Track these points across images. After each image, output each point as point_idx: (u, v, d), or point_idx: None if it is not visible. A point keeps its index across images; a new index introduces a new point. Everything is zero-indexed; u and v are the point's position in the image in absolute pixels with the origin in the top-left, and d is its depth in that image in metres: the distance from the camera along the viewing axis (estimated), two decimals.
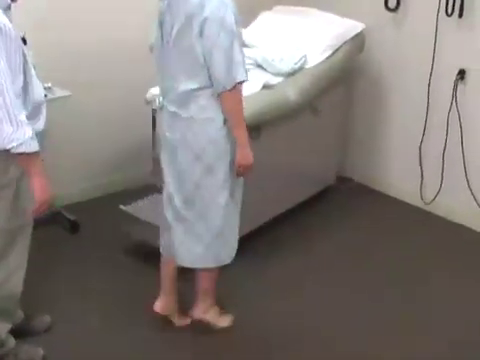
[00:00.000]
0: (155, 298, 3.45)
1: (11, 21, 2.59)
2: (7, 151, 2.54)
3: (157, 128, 3.17)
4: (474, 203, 4.45)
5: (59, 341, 3.18)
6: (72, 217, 4.25)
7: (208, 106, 2.89)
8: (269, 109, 3.91)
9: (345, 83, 4.79)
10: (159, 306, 3.30)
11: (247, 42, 4.53)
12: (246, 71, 2.82)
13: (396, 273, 3.95)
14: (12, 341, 2.99)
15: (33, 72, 2.67)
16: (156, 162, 4.10)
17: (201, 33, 2.76)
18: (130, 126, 4.75)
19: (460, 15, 4.24)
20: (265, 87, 4.06)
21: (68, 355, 3.12)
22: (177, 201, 3.04)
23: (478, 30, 4.23)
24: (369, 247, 4.24)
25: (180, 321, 3.35)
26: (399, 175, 4.92)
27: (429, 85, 4.49)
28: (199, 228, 3.06)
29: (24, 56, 2.59)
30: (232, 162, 2.99)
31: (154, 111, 4.04)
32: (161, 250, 3.27)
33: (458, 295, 3.75)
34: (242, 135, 2.92)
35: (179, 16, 2.82)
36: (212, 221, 3.05)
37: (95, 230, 4.25)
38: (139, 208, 3.98)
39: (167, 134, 3.02)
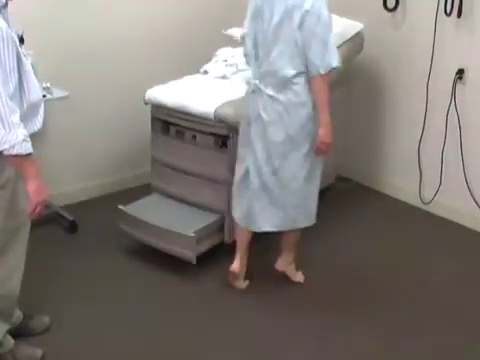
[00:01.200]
0: (156, 298, 3.49)
1: (7, 20, 2.58)
2: (1, 152, 2.54)
3: (245, 107, 3.47)
4: (473, 203, 4.45)
5: (58, 341, 3.17)
6: (71, 217, 4.25)
7: (302, 92, 3.28)
8: None
9: (344, 83, 4.78)
10: (235, 267, 3.65)
11: None
12: (339, 59, 3.23)
13: (395, 273, 3.94)
14: (11, 341, 2.98)
15: (30, 72, 2.65)
16: (155, 162, 4.12)
17: (301, 24, 3.13)
18: (129, 126, 4.75)
19: (459, 15, 4.24)
20: None
21: (67, 355, 3.11)
22: (265, 172, 3.42)
23: (477, 30, 4.23)
24: (368, 247, 4.23)
25: (242, 284, 3.73)
26: (398, 175, 4.92)
27: (428, 85, 4.50)
28: (282, 196, 3.46)
29: (18, 56, 2.57)
30: (314, 141, 3.36)
31: (152, 111, 4.05)
32: (237, 221, 3.65)
33: (458, 295, 3.74)
34: (327, 115, 3.31)
35: (279, 9, 3.16)
36: (293, 191, 3.45)
37: (94, 230, 4.24)
38: (138, 208, 3.97)
39: (262, 114, 3.33)
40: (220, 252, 3.96)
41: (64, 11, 4.22)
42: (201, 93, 3.94)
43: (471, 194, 4.45)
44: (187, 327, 3.37)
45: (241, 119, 3.52)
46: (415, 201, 4.80)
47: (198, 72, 4.36)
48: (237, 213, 3.65)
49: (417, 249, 4.25)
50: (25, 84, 2.62)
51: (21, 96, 2.62)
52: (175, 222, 3.79)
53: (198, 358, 3.17)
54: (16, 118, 2.52)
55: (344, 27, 4.52)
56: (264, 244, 3.90)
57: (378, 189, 4.84)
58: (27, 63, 2.65)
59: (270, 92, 3.30)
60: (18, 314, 3.13)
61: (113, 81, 4.59)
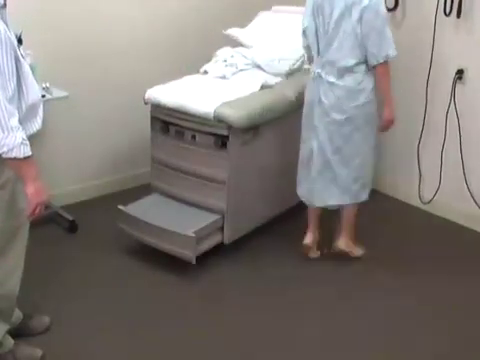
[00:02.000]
0: (156, 298, 3.50)
1: (6, 21, 2.58)
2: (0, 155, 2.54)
3: (307, 94, 3.84)
4: (472, 202, 4.45)
5: (58, 341, 3.17)
6: (70, 217, 4.25)
7: (361, 78, 3.64)
8: (267, 109, 3.91)
9: None
10: (308, 240, 4.04)
11: (246, 42, 4.54)
12: (395, 49, 3.55)
13: (394, 272, 3.94)
14: (10, 341, 2.99)
15: (28, 73, 2.65)
16: (154, 162, 4.12)
17: (360, 19, 3.48)
18: (129, 126, 4.75)
19: (458, 15, 4.24)
20: (264, 87, 4.07)
21: (67, 355, 3.11)
22: (328, 152, 3.76)
23: (476, 30, 4.23)
24: (367, 246, 4.23)
25: (315, 254, 4.08)
26: (397, 175, 4.92)
27: (427, 85, 4.50)
28: (343, 173, 3.80)
29: (17, 58, 2.56)
30: (374, 121, 3.76)
31: (152, 111, 4.05)
32: (302, 198, 4.03)
33: (457, 294, 3.75)
34: (390, 98, 3.71)
35: (339, 5, 3.52)
36: (354, 168, 3.81)
37: (93, 230, 4.25)
38: (138, 208, 3.97)
39: (323, 99, 3.70)
40: (220, 252, 3.96)
41: (63, 11, 4.22)
42: (201, 93, 3.94)
43: (471, 194, 4.45)
44: (187, 327, 3.37)
45: (304, 104, 3.86)
46: (414, 201, 4.80)
47: (198, 72, 4.36)
48: (301, 190, 4.01)
49: (415, 248, 4.25)
50: (24, 86, 2.62)
51: (20, 98, 2.61)
52: (175, 222, 3.79)
53: (198, 358, 3.17)
54: (15, 121, 2.52)
55: None
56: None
57: (378, 189, 4.83)
58: (25, 64, 2.64)
59: (331, 79, 3.66)
60: (18, 314, 3.14)
61: (113, 81, 4.59)
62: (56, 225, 4.28)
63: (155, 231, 3.78)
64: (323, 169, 3.82)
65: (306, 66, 4.29)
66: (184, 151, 3.95)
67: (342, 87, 3.65)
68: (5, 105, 2.48)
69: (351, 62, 3.60)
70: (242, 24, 4.72)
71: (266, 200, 4.19)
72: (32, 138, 2.67)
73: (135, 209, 3.96)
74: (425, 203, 4.73)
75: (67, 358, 3.11)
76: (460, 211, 4.56)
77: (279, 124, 4.09)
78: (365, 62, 3.61)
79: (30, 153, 2.59)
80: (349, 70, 3.62)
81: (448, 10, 4.26)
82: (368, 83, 3.67)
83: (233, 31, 4.63)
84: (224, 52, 4.43)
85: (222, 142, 3.79)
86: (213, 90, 3.98)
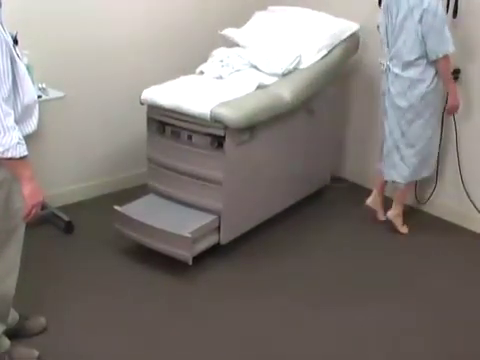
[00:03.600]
0: (152, 299, 3.50)
1: (1, 21, 2.57)
2: None
3: (381, 84, 4.35)
4: (469, 203, 4.45)
5: (54, 342, 3.17)
6: (67, 218, 4.24)
7: (423, 70, 4.06)
8: (263, 109, 3.91)
9: (340, 83, 4.80)
10: (370, 201, 4.58)
11: (242, 42, 4.54)
12: (453, 44, 3.95)
13: (391, 273, 3.95)
14: (7, 342, 2.98)
15: (24, 73, 2.64)
16: (151, 162, 4.11)
17: (420, 20, 3.92)
18: (125, 127, 4.75)
19: (454, 15, 4.25)
20: (259, 87, 4.07)
21: (64, 356, 3.11)
22: (396, 134, 4.25)
23: (472, 30, 4.24)
24: (363, 248, 4.24)
25: (381, 216, 4.59)
26: None
27: None
28: (407, 155, 4.26)
29: (12, 58, 2.56)
30: (435, 109, 4.20)
31: (148, 112, 4.05)
32: (379, 170, 4.52)
33: (454, 295, 3.75)
34: (452, 87, 4.15)
35: (403, 6, 3.98)
36: (418, 150, 4.25)
37: (90, 231, 4.24)
38: (134, 209, 3.97)
39: (390, 88, 4.19)
40: (216, 253, 3.96)
41: (60, 12, 4.21)
42: (197, 93, 3.93)
43: (467, 194, 4.46)
44: (184, 327, 3.37)
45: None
46: (411, 201, 4.80)
47: (194, 72, 4.36)
48: (379, 164, 4.52)
49: (412, 248, 4.26)
50: (19, 86, 2.61)
51: (15, 98, 2.61)
52: (171, 222, 3.79)
53: (195, 358, 3.17)
54: (11, 121, 2.51)
55: (340, 27, 4.54)
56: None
57: (373, 189, 4.82)
58: (21, 65, 2.63)
59: (396, 71, 4.13)
60: (14, 315, 3.13)
61: (109, 81, 4.59)
62: (52, 226, 4.27)
63: (151, 231, 3.78)
64: (392, 149, 4.30)
65: (302, 66, 4.31)
66: (180, 151, 3.95)
67: (406, 78, 4.10)
68: (1, 105, 2.47)
69: (413, 56, 4.04)
70: (238, 24, 4.72)
71: (262, 200, 4.18)
72: (28, 138, 2.66)
73: (131, 209, 3.95)
74: (422, 203, 4.73)
75: (64, 359, 3.10)
76: (456, 211, 4.56)
77: (275, 124, 4.09)
78: (426, 56, 4.02)
79: (26, 153, 2.58)
80: (412, 63, 4.06)
81: (445, 10, 4.26)
82: (428, 75, 4.06)
83: (229, 31, 4.63)
84: (220, 52, 4.43)
85: (218, 142, 3.79)
86: (209, 90, 3.98)
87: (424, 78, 4.08)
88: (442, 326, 3.46)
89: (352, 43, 4.62)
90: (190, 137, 3.89)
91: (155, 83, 4.07)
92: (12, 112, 2.54)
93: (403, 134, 4.24)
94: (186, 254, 3.69)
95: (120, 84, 4.63)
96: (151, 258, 3.87)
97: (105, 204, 4.24)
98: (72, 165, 4.61)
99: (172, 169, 4.01)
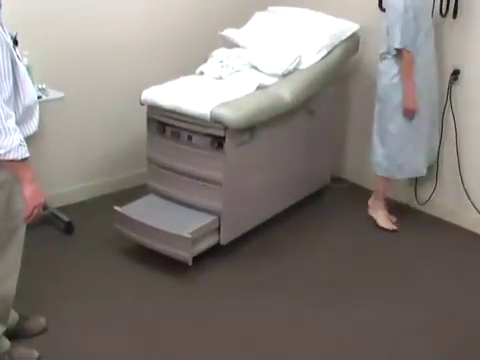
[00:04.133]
0: (152, 299, 3.51)
1: (1, 22, 2.57)
2: None
3: None
4: (469, 203, 4.45)
5: (54, 342, 3.17)
6: (67, 218, 4.24)
7: (387, 64, 4.20)
8: (263, 110, 3.91)
9: (340, 84, 4.80)
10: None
11: (242, 43, 4.54)
12: (402, 42, 4.04)
13: (391, 273, 3.95)
14: (7, 343, 2.98)
15: (24, 74, 2.64)
16: (151, 163, 4.11)
17: (385, 14, 4.17)
18: (125, 127, 4.75)
19: (454, 16, 4.25)
20: (259, 88, 4.07)
21: (64, 357, 3.11)
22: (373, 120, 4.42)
23: (472, 30, 4.24)
24: (363, 248, 4.24)
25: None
26: None
27: None
28: (376, 142, 4.40)
29: (13, 60, 2.55)
30: (397, 106, 4.21)
31: (148, 112, 4.05)
32: None
33: (454, 295, 3.75)
34: (407, 87, 4.13)
35: (386, 1, 4.24)
36: (383, 141, 4.35)
37: (90, 231, 4.24)
38: (134, 209, 3.97)
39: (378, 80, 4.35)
40: (216, 253, 3.96)
41: (60, 12, 4.21)
42: (197, 94, 3.93)
43: (467, 194, 4.45)
44: (184, 328, 3.37)
45: None
46: (411, 201, 4.81)
47: (194, 73, 4.36)
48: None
49: (412, 249, 4.26)
50: (20, 88, 2.61)
51: (16, 100, 2.60)
52: (171, 223, 3.79)
53: (195, 358, 3.17)
54: (12, 123, 2.51)
55: (340, 28, 4.54)
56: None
57: (373, 189, 4.82)
58: (22, 66, 2.63)
59: (379, 64, 4.30)
60: (14, 316, 3.13)
61: (109, 82, 4.59)
62: (52, 226, 4.27)
63: (151, 232, 3.78)
64: (378, 140, 4.40)
65: (302, 67, 4.31)
66: (180, 152, 3.95)
67: (378, 69, 4.28)
68: (2, 107, 2.47)
69: (382, 50, 4.21)
70: (238, 25, 4.72)
71: (262, 201, 4.18)
72: (28, 139, 2.66)
73: (131, 210, 3.95)
74: (421, 204, 4.73)
75: (64, 359, 3.10)
76: (457, 212, 4.56)
77: (275, 125, 4.09)
78: (388, 51, 4.16)
79: (27, 155, 2.58)
80: (382, 56, 4.23)
81: (444, 10, 4.27)
82: (391, 69, 4.17)
83: (229, 32, 4.63)
84: (220, 53, 4.43)
85: (218, 143, 3.78)
86: (209, 91, 3.98)
87: (387, 71, 4.20)
88: (442, 326, 3.46)
89: (352, 43, 4.62)
90: (190, 137, 3.89)
91: (155, 83, 4.07)
92: (13, 114, 2.54)
93: (375, 120, 4.38)
94: (186, 254, 3.69)
95: (120, 84, 4.63)
96: (151, 258, 3.87)
97: (105, 204, 4.24)
98: (72, 165, 4.61)
99: (172, 169, 4.01)
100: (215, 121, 3.71)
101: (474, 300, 3.72)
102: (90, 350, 3.15)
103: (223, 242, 3.95)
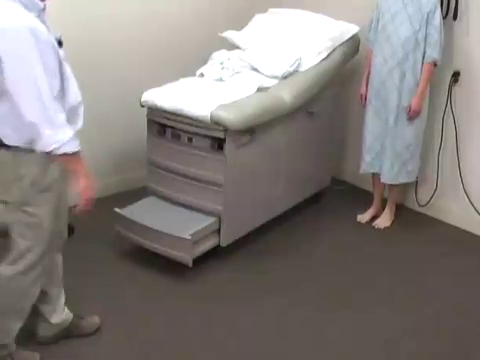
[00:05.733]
0: (153, 301, 3.49)
1: (46, 23, 2.61)
2: (46, 153, 2.56)
3: None
4: (469, 205, 4.45)
5: (55, 344, 3.16)
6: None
7: None
8: (264, 112, 3.91)
9: (340, 85, 4.80)
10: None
11: (242, 44, 4.54)
12: (367, 41, 4.42)
13: (392, 274, 3.95)
14: (13, 345, 2.98)
15: (70, 75, 2.68)
16: (151, 165, 4.11)
17: None
18: (125, 129, 4.75)
19: (454, 18, 4.26)
20: (260, 90, 4.07)
21: (64, 358, 3.10)
22: None
23: (473, 33, 4.24)
24: (363, 250, 4.24)
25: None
26: None
27: None
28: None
29: (59, 59, 2.59)
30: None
31: (148, 114, 4.05)
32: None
33: (455, 296, 3.75)
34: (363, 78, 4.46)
35: None
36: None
37: (90, 233, 4.23)
38: (134, 211, 3.97)
39: None
40: (216, 255, 3.96)
41: (60, 14, 4.20)
42: (197, 96, 3.94)
43: (467, 196, 4.46)
44: (184, 329, 3.37)
45: None
46: (411, 203, 4.81)
47: (194, 75, 4.36)
48: None
49: (412, 250, 4.26)
50: (66, 87, 2.64)
51: (63, 99, 2.64)
52: (171, 225, 3.79)
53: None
54: (62, 118, 2.55)
55: (340, 30, 4.54)
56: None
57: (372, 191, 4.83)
58: (67, 66, 2.67)
59: None
60: (68, 315, 3.20)
61: (109, 84, 4.59)
62: None
63: (151, 234, 3.78)
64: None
65: (302, 68, 4.31)
66: (180, 154, 3.95)
67: None
68: (53, 102, 2.51)
69: None
70: (238, 27, 4.72)
71: (263, 202, 4.18)
72: None
73: (131, 212, 3.95)
74: (422, 205, 4.73)
75: None
76: (457, 214, 4.56)
77: (275, 126, 4.09)
78: None
79: (79, 148, 2.62)
80: None
81: (445, 13, 4.27)
82: None
83: (229, 33, 4.63)
84: (220, 55, 4.43)
85: (218, 145, 3.79)
86: (209, 93, 3.98)
87: None
88: (442, 327, 3.46)
89: (352, 45, 4.62)
90: (190, 139, 3.89)
91: (155, 85, 4.08)
92: (63, 110, 2.58)
93: None
94: (186, 256, 3.69)
95: (120, 86, 4.63)
96: (151, 260, 3.87)
97: (105, 206, 4.22)
98: None
99: (172, 171, 4.01)
100: (215, 123, 3.71)
101: (474, 301, 3.72)
102: (90, 351, 3.15)
103: (223, 244, 3.95)
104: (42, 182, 2.68)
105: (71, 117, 2.69)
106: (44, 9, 2.61)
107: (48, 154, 2.56)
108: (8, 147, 2.60)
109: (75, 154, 2.61)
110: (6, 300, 2.84)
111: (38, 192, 2.68)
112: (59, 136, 2.52)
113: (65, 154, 2.56)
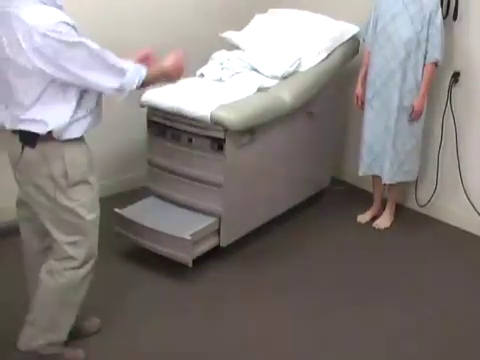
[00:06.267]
0: (153, 301, 3.48)
1: None
2: (59, 141, 2.66)
3: None
4: (469, 205, 4.45)
5: None
6: None
7: None
8: (264, 112, 3.91)
9: (340, 86, 4.79)
10: None
11: (242, 45, 4.54)
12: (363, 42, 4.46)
13: (392, 274, 3.95)
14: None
15: None
16: (151, 165, 4.11)
17: None
18: (125, 129, 4.74)
19: (454, 18, 4.26)
20: (260, 90, 4.07)
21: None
22: None
23: (473, 33, 4.24)
24: (363, 250, 4.24)
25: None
26: None
27: None
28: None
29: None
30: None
31: (148, 114, 4.05)
32: None
33: (454, 296, 3.75)
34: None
35: None
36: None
37: None
38: (134, 211, 3.97)
39: None
40: (216, 255, 3.96)
41: None
42: (197, 96, 3.94)
43: (467, 197, 4.46)
44: (184, 329, 3.37)
45: None
46: (411, 203, 4.81)
47: (194, 75, 4.36)
48: None
49: (412, 251, 4.26)
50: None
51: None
52: (171, 225, 3.79)
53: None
54: (122, 61, 2.69)
55: (340, 30, 4.54)
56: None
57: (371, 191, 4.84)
58: None
59: None
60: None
61: None
62: None
63: (151, 234, 3.78)
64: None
65: (302, 69, 4.31)
66: (180, 154, 3.95)
67: None
68: (109, 54, 2.67)
69: None
70: (238, 27, 4.72)
71: (262, 203, 4.18)
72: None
73: (131, 212, 3.95)
74: (422, 206, 4.73)
75: None
76: (456, 214, 4.56)
77: (275, 127, 4.09)
78: None
79: (145, 70, 2.77)
80: None
81: (445, 13, 4.27)
82: None
83: (229, 34, 4.63)
84: (220, 55, 4.43)
85: (218, 145, 3.79)
86: (209, 93, 3.98)
87: None
88: (442, 327, 3.46)
89: (352, 46, 4.62)
90: (190, 140, 3.89)
91: (154, 86, 4.07)
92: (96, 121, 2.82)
93: None
94: (186, 256, 3.69)
95: None
96: (151, 260, 3.87)
97: (105, 206, 4.19)
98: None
99: (172, 171, 4.01)
100: (215, 123, 3.71)
101: (475, 301, 3.72)
102: (90, 352, 3.14)
103: (223, 244, 3.95)
104: (73, 176, 2.72)
105: (97, 115, 2.87)
106: (61, 7, 2.66)
107: (60, 142, 2.67)
108: (33, 145, 2.63)
109: (147, 77, 2.77)
110: (60, 296, 2.89)
111: (71, 186, 2.72)
112: (129, 78, 2.69)
113: (143, 82, 2.74)
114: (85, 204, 2.79)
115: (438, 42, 4.08)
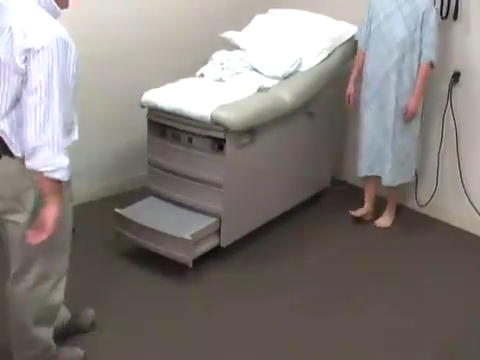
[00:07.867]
0: (153, 301, 3.48)
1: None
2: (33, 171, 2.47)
3: None
4: (469, 205, 4.45)
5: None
6: None
7: None
8: (264, 112, 3.92)
9: (340, 86, 4.79)
10: None
11: (242, 45, 4.54)
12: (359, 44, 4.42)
13: (391, 275, 3.95)
14: (54, 346, 2.97)
15: (76, 87, 2.59)
16: (151, 165, 4.11)
17: None
18: (125, 129, 4.74)
19: (455, 18, 4.26)
20: (260, 90, 4.07)
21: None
22: None
23: (473, 33, 4.24)
24: (363, 250, 4.24)
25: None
26: None
27: None
28: None
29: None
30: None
31: (148, 114, 4.05)
32: None
33: (454, 297, 3.75)
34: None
35: None
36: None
37: (90, 233, 4.22)
38: (134, 211, 3.97)
39: None
40: (216, 255, 3.96)
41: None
42: (197, 96, 3.94)
43: (467, 197, 4.45)
44: (184, 330, 3.37)
45: None
46: (411, 203, 4.81)
47: (194, 75, 4.36)
48: None
49: (412, 251, 4.26)
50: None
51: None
52: (171, 225, 3.79)
53: None
54: (66, 143, 2.51)
55: (340, 30, 4.55)
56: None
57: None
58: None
59: None
60: (66, 315, 3.19)
61: (109, 84, 4.58)
62: None
63: (152, 234, 3.78)
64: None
65: (302, 69, 4.31)
66: (181, 154, 3.95)
67: None
68: (62, 126, 2.45)
69: None
70: (238, 27, 4.72)
71: (263, 203, 4.18)
72: None
73: (132, 212, 3.95)
74: (422, 206, 4.73)
75: None
76: (457, 214, 4.56)
77: (275, 127, 4.09)
78: None
79: (68, 179, 2.55)
80: None
81: (445, 13, 4.27)
82: None
83: (229, 34, 4.63)
84: (220, 55, 4.43)
85: (219, 145, 3.79)
86: (210, 93, 3.98)
87: None
88: (442, 327, 3.46)
89: (352, 46, 4.62)
90: (190, 140, 3.90)
91: (155, 86, 4.07)
92: (69, 134, 2.58)
93: None
94: (186, 257, 3.69)
95: (120, 87, 4.62)
96: (151, 260, 3.87)
97: (105, 207, 4.24)
98: (72, 168, 4.58)
99: (172, 172, 4.01)
100: (215, 123, 3.71)
101: (475, 301, 3.73)
102: (90, 352, 3.14)
103: (223, 244, 3.95)
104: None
105: (69, 127, 2.63)
106: (58, 15, 2.62)
107: (34, 173, 2.47)
108: (12, 156, 2.52)
109: (62, 184, 2.53)
110: (29, 312, 2.80)
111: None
112: (59, 160, 2.46)
113: (54, 179, 2.47)
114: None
115: (432, 42, 4.08)
